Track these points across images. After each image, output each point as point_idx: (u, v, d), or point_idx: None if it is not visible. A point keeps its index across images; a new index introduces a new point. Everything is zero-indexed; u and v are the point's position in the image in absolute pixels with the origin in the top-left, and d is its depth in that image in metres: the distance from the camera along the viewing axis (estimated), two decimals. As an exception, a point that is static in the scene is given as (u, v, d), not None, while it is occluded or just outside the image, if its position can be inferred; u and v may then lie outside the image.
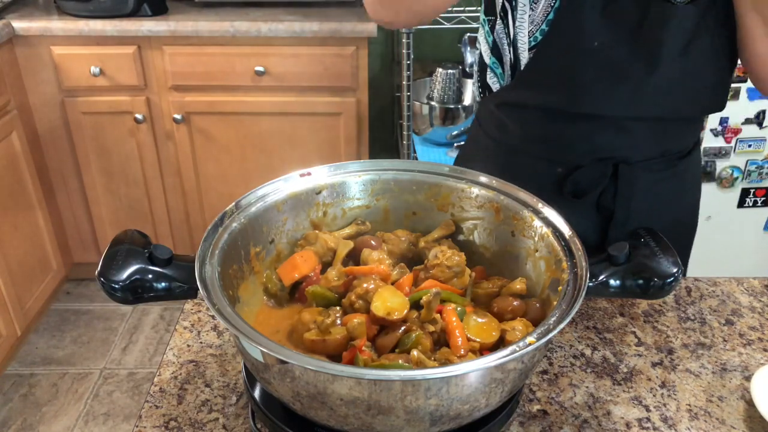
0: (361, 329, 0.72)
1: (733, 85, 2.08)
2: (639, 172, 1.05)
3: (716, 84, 1.02)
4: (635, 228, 0.81)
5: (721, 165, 2.22)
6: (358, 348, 0.70)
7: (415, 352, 0.69)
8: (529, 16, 0.98)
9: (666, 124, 1.04)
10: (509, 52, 1.04)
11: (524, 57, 1.01)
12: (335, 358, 0.71)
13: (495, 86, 1.10)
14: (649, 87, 0.97)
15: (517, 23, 1.00)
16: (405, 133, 2.31)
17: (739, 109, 2.13)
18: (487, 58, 1.08)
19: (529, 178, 1.07)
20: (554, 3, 0.96)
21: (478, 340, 0.73)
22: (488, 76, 1.10)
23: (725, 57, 0.99)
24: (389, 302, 0.73)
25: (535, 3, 0.97)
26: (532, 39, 0.99)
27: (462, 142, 2.26)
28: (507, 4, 1.01)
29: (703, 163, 2.20)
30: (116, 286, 0.69)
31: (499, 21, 1.04)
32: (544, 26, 0.98)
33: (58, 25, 2.23)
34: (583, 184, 1.06)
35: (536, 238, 0.81)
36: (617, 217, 1.08)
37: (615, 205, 1.07)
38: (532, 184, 1.08)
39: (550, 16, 0.97)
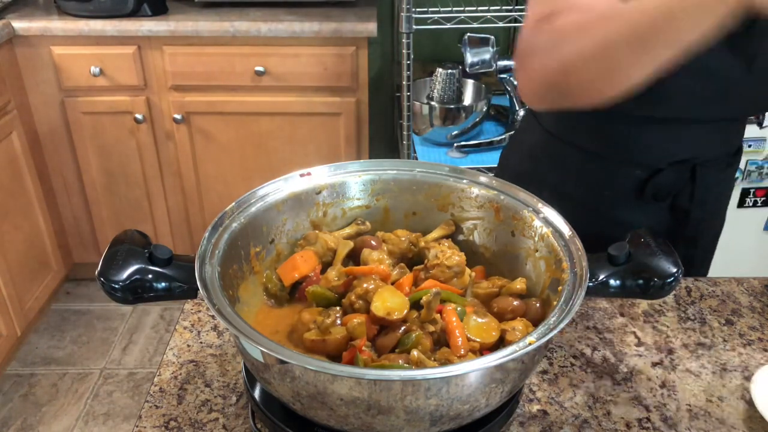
0: (361, 329, 0.72)
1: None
2: (713, 172, 1.05)
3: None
4: (636, 228, 0.81)
5: (721, 165, 2.22)
6: (358, 348, 0.70)
7: (415, 352, 0.69)
8: None
9: (736, 121, 1.04)
10: None
11: None
12: (335, 358, 0.71)
13: None
14: (739, 88, 0.95)
15: None
16: (405, 133, 2.30)
17: (739, 109, 2.13)
18: None
19: (606, 183, 1.07)
20: None
21: (478, 340, 0.73)
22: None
23: None
24: (389, 302, 0.73)
25: None
26: None
27: (462, 142, 2.26)
28: None
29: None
30: (116, 286, 0.69)
31: None
32: None
33: (58, 25, 2.23)
34: (663, 187, 1.05)
35: (536, 238, 0.81)
36: (693, 217, 1.07)
37: (691, 206, 1.07)
38: (609, 187, 1.07)
39: None
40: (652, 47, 0.74)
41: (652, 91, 0.91)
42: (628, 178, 1.06)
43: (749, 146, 2.20)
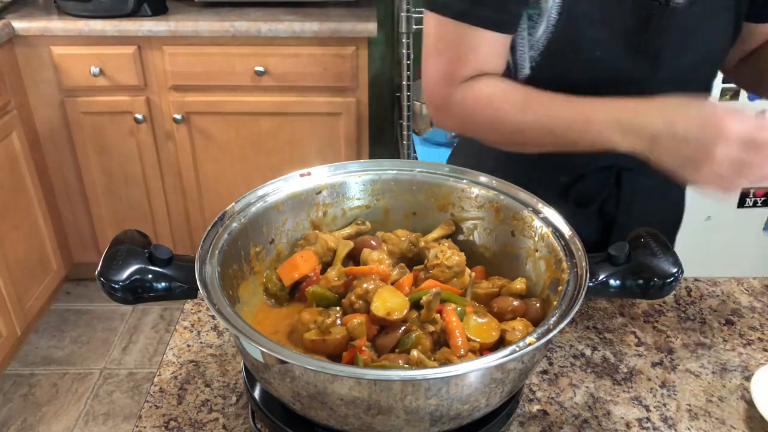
0: (361, 329, 0.72)
1: (732, 86, 2.08)
2: (640, 178, 1.05)
3: (710, 79, 1.03)
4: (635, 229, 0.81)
5: (721, 165, 2.22)
6: (358, 348, 0.70)
7: (415, 352, 0.69)
8: (528, 41, 0.96)
9: None
10: (511, 68, 1.03)
11: (524, 72, 1.00)
12: (335, 358, 0.71)
13: None
14: (653, 86, 0.96)
15: (517, 51, 0.98)
16: (405, 133, 2.31)
17: (739, 109, 2.13)
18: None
19: (530, 187, 1.07)
20: (552, 24, 0.93)
21: (478, 340, 0.73)
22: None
23: (722, 52, 1.00)
24: (389, 302, 0.73)
25: (533, 29, 0.95)
26: (532, 62, 0.97)
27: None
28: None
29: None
30: (116, 286, 0.69)
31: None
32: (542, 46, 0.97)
33: (58, 25, 2.23)
34: (587, 193, 1.06)
35: (536, 238, 0.81)
36: (619, 222, 1.08)
37: (618, 211, 1.07)
38: (534, 192, 1.08)
39: (550, 36, 0.95)
40: (533, 136, 0.91)
41: None
42: (552, 183, 1.06)
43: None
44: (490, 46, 0.92)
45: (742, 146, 0.76)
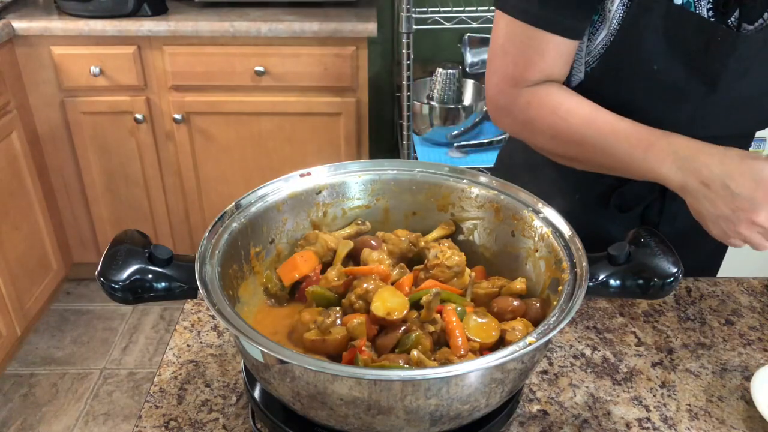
0: (361, 329, 0.72)
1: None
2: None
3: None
4: (635, 228, 0.81)
5: (721, 165, 2.22)
6: (358, 348, 0.70)
7: (415, 352, 0.69)
8: (587, 46, 0.95)
9: (718, 141, 1.04)
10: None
11: (578, 77, 0.99)
12: (335, 358, 0.71)
13: None
14: (707, 108, 0.95)
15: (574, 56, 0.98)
16: (405, 133, 2.31)
17: (739, 109, 2.13)
18: None
19: (575, 188, 1.07)
20: (613, 32, 0.92)
21: (478, 340, 0.73)
22: None
23: None
24: (389, 302, 0.73)
25: (594, 35, 0.94)
26: (588, 68, 0.96)
27: (462, 142, 2.26)
28: None
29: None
30: (116, 286, 0.69)
31: None
32: (599, 54, 0.96)
33: (58, 25, 2.23)
34: (629, 199, 1.05)
35: (536, 238, 0.81)
36: (662, 232, 1.07)
37: (661, 221, 1.06)
38: (578, 194, 1.06)
39: (609, 44, 0.94)
40: (591, 153, 0.92)
41: (622, 107, 0.93)
42: (597, 184, 1.05)
43: (749, 146, 2.19)
44: (557, 51, 0.92)
45: None
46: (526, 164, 1.15)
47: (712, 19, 0.89)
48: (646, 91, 0.95)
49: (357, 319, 0.72)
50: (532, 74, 0.93)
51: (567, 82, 0.99)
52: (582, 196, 1.01)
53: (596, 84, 0.97)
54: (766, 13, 0.89)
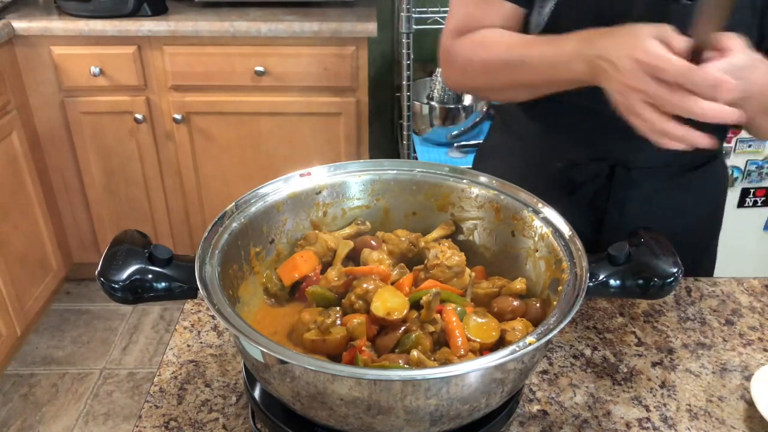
0: (361, 329, 0.72)
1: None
2: (639, 178, 1.05)
3: None
4: (633, 229, 0.81)
5: (721, 165, 2.22)
6: (358, 348, 0.70)
7: (415, 352, 0.69)
8: (538, 15, 0.99)
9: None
10: None
11: None
12: (335, 358, 0.71)
13: None
14: None
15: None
16: (405, 133, 2.31)
17: (739, 109, 2.12)
18: None
19: (531, 169, 1.09)
20: (551, 5, 0.95)
21: (478, 340, 0.73)
22: None
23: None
24: (389, 302, 0.73)
25: (542, 7, 0.97)
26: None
27: (462, 142, 2.26)
28: None
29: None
30: (116, 286, 0.69)
31: None
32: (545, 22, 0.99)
33: (58, 25, 2.23)
34: (577, 182, 1.07)
35: (536, 238, 0.81)
36: (609, 217, 1.08)
37: (608, 206, 1.07)
38: (533, 174, 1.08)
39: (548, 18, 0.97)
40: (519, 74, 0.94)
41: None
42: (547, 166, 1.08)
43: (749, 146, 2.20)
44: (503, 15, 0.98)
45: (647, 69, 0.73)
46: (489, 148, 1.21)
47: None
48: None
49: (357, 319, 0.72)
50: (475, 29, 0.99)
51: None
52: (532, 179, 1.01)
53: None
54: None
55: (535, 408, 0.83)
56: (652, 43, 0.74)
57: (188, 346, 0.92)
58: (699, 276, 1.08)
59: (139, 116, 2.36)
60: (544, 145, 1.09)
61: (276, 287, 0.82)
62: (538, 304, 0.78)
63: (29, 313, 2.41)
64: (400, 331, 0.72)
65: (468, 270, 0.83)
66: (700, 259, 1.20)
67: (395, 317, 0.72)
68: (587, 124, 1.02)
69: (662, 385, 0.87)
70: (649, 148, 1.03)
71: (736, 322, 0.98)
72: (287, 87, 2.34)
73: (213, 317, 0.97)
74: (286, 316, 0.81)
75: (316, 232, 0.87)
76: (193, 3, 2.41)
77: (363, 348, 0.71)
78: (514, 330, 0.74)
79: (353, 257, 0.86)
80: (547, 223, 0.81)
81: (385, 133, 2.93)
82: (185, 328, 0.96)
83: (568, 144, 1.06)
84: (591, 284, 0.72)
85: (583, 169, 1.06)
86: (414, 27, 2.11)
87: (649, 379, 0.88)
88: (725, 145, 2.18)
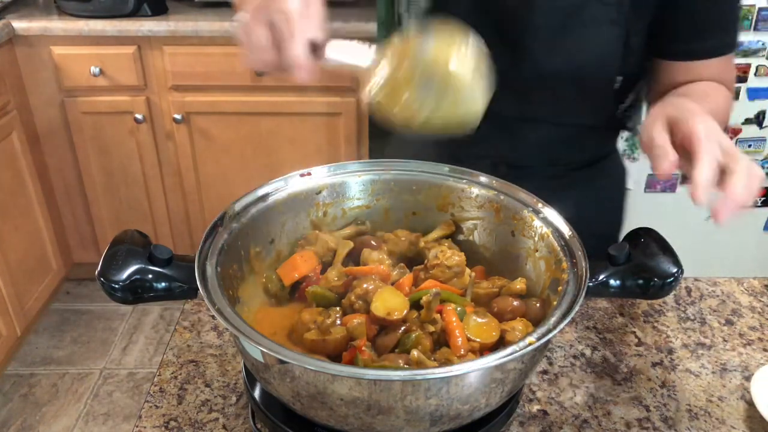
0: (361, 329, 0.72)
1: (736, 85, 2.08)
2: (522, 177, 1.01)
3: (607, 91, 0.98)
4: (634, 228, 0.81)
5: (721, 165, 2.22)
6: (358, 348, 0.70)
7: (415, 352, 0.69)
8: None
9: (552, 129, 1.00)
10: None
11: None
12: (335, 358, 0.71)
13: None
14: (518, 83, 0.93)
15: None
16: (405, 133, 2.30)
17: (739, 109, 2.13)
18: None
19: (413, 156, 1.07)
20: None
21: (478, 340, 0.73)
22: None
23: (612, 60, 0.95)
24: (389, 302, 0.73)
25: None
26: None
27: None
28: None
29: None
30: (116, 286, 0.69)
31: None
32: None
33: (58, 25, 2.23)
34: (466, 166, 1.05)
35: (536, 238, 0.81)
36: None
37: None
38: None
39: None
40: None
41: None
42: (433, 149, 1.04)
43: (749, 146, 2.20)
44: None
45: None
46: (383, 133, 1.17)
47: None
48: None
49: (357, 319, 0.72)
50: None
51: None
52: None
53: None
54: None
55: (535, 408, 0.83)
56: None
57: (188, 346, 0.92)
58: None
59: (139, 116, 2.36)
60: (429, 147, 1.07)
61: (276, 287, 0.82)
62: (538, 304, 0.78)
63: (29, 313, 2.41)
64: (400, 331, 0.72)
65: (468, 270, 0.83)
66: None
67: (395, 317, 0.72)
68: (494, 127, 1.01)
69: (662, 385, 0.87)
70: (531, 147, 1.02)
71: (736, 322, 0.98)
72: (287, 87, 2.34)
73: (213, 317, 0.97)
74: (286, 316, 0.81)
75: (316, 232, 0.87)
76: (193, 3, 2.41)
77: (363, 348, 0.71)
78: (514, 330, 0.74)
79: (353, 257, 0.86)
80: (547, 223, 0.81)
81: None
82: (185, 328, 0.96)
83: (452, 143, 1.04)
84: (591, 284, 0.72)
85: (467, 167, 1.04)
86: (414, 27, 2.11)
87: (649, 379, 0.88)
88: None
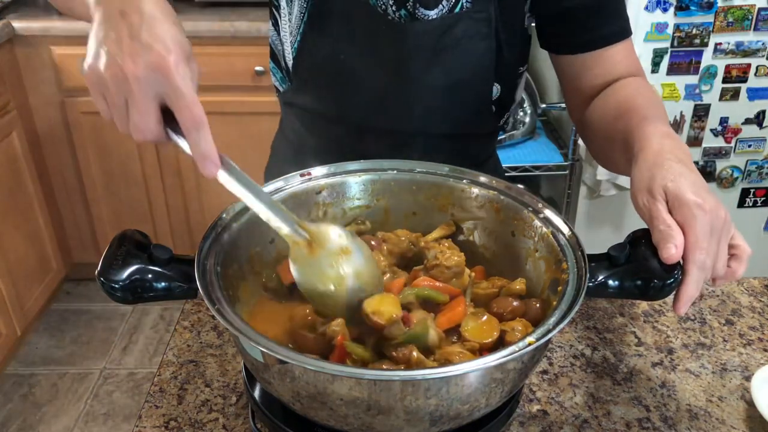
0: (342, 329, 0.72)
1: (732, 85, 2.08)
2: (414, 145, 1.04)
3: (485, 100, 1.01)
4: (635, 230, 0.80)
5: (721, 165, 2.22)
6: (338, 344, 0.69)
7: (415, 352, 0.69)
8: (288, 26, 0.98)
9: (435, 139, 1.02)
10: (283, 60, 1.06)
11: (290, 62, 1.03)
12: (326, 356, 0.71)
13: (281, 88, 1.16)
14: (401, 99, 0.97)
15: (281, 34, 1.02)
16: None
17: (739, 109, 2.13)
18: (269, 62, 1.12)
19: (315, 142, 1.10)
20: (304, 13, 0.95)
21: (477, 340, 0.73)
22: (272, 78, 1.15)
23: (487, 71, 0.98)
24: (381, 306, 0.73)
25: (291, 14, 0.96)
26: (293, 50, 0.99)
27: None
28: (276, 13, 1.03)
29: (702, 163, 2.20)
30: (116, 286, 0.69)
31: (272, 28, 1.06)
32: (299, 37, 0.98)
33: (58, 25, 2.23)
34: (367, 154, 1.04)
35: (536, 238, 0.81)
36: None
37: None
38: (314, 148, 1.09)
39: (302, 28, 0.97)
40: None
41: (332, 95, 0.97)
42: (334, 138, 1.08)
43: (749, 146, 2.20)
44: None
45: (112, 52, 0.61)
46: (282, 154, 1.24)
47: (388, 7, 0.92)
48: (343, 79, 0.98)
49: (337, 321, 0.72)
50: None
51: (288, 72, 1.06)
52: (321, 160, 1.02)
53: (302, 70, 1.02)
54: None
55: (535, 408, 0.83)
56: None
57: (188, 346, 0.92)
58: None
59: (139, 116, 2.36)
60: (317, 158, 1.02)
61: (276, 286, 0.82)
62: (538, 305, 0.78)
63: (29, 313, 2.41)
64: (396, 333, 0.72)
65: (468, 270, 0.83)
66: None
67: (386, 320, 0.71)
68: (353, 136, 1.03)
69: (662, 385, 0.87)
70: (414, 157, 1.03)
71: (736, 322, 0.98)
72: (287, 87, 2.34)
73: (213, 317, 0.97)
74: (285, 316, 0.81)
75: (316, 232, 0.86)
76: (193, 3, 2.41)
77: (343, 342, 0.70)
78: (513, 330, 0.74)
79: (353, 257, 0.86)
80: (547, 223, 0.81)
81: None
82: (185, 328, 0.96)
83: (340, 158, 1.04)
84: (591, 284, 0.72)
85: (369, 140, 1.05)
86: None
87: (649, 379, 0.88)
88: (725, 144, 2.18)
